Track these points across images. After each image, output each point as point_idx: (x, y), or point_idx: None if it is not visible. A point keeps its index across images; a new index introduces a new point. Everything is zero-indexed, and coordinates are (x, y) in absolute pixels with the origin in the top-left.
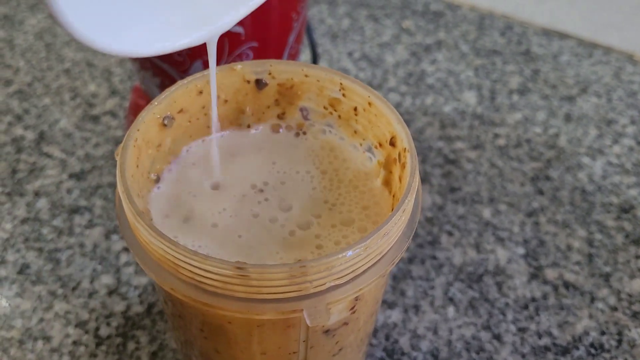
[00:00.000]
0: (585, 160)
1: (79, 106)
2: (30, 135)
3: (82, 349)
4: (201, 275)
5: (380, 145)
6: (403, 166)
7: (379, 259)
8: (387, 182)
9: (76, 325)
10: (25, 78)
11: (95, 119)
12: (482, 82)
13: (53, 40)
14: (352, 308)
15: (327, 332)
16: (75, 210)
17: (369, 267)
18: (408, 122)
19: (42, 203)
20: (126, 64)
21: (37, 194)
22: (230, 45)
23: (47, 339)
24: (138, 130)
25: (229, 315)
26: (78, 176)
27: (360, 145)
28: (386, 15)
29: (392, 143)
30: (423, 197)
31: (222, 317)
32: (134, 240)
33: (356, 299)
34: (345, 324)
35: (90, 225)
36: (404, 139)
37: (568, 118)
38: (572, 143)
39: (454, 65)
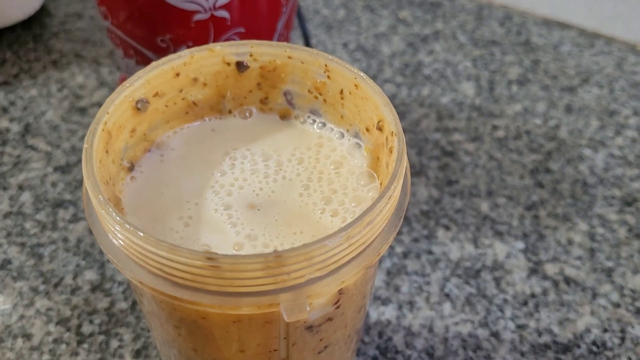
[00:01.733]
0: (587, 152)
1: (66, 98)
2: (15, 128)
3: (63, 347)
4: (170, 267)
5: (368, 130)
6: (390, 151)
7: (364, 249)
8: (374, 170)
9: (58, 323)
10: (11, 70)
11: (82, 110)
12: (480, 72)
13: (41, 31)
14: (336, 302)
15: (309, 328)
16: (59, 204)
17: (352, 258)
18: (404, 114)
19: (26, 197)
20: (115, 55)
21: (20, 188)
22: (216, 31)
23: (27, 336)
24: (107, 113)
25: (202, 310)
26: (63, 169)
27: (347, 131)
28: (382, 6)
29: (380, 127)
30: (419, 190)
31: (195, 313)
32: (101, 229)
33: (340, 292)
34: (329, 319)
35: (75, 219)
36: (392, 122)
37: (569, 109)
38: (573, 134)
39: (451, 56)
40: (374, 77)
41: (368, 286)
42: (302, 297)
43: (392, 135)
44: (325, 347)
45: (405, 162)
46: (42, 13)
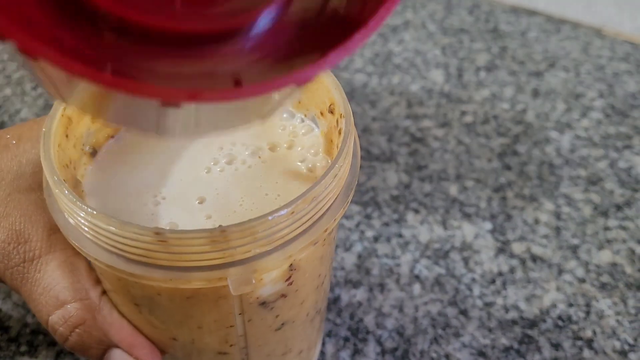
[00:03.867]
0: (553, 134)
1: (40, 96)
2: None
3: (40, 337)
4: (121, 243)
5: (322, 114)
6: (340, 132)
7: (311, 225)
8: (328, 153)
9: (35, 315)
10: None
11: None
12: (449, 60)
13: None
14: (288, 279)
15: (263, 304)
16: None
17: (299, 234)
18: (375, 102)
19: None
20: None
21: None
22: None
23: (5, 329)
24: None
25: (156, 286)
26: None
27: (305, 116)
28: None
29: (331, 110)
30: (389, 175)
31: (150, 289)
32: (58, 209)
33: (291, 268)
34: (283, 296)
35: None
36: (341, 104)
37: (536, 93)
38: (540, 118)
39: (421, 44)
40: (344, 68)
41: (323, 264)
42: (249, 271)
43: (341, 117)
44: (283, 324)
45: (352, 142)
46: None
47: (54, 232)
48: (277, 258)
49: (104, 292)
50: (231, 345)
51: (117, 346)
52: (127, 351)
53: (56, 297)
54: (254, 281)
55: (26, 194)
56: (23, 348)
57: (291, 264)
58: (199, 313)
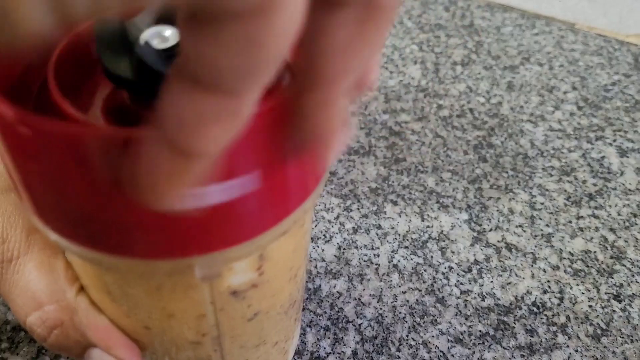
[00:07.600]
0: (528, 126)
1: None
2: None
3: (21, 334)
4: None
5: None
6: None
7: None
8: None
9: (14, 314)
10: None
11: None
12: (426, 55)
13: None
14: (259, 269)
15: (234, 293)
16: None
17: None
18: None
19: None
20: None
21: None
22: None
23: None
24: None
25: (125, 275)
26: None
27: None
28: None
29: None
30: (368, 168)
31: (120, 279)
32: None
33: (261, 258)
34: (254, 286)
35: None
36: None
37: (510, 86)
38: (515, 111)
39: (398, 40)
40: None
41: (296, 257)
42: (217, 261)
43: None
44: (255, 314)
45: None
46: None
47: (32, 233)
48: (245, 248)
49: (81, 290)
50: (203, 335)
51: (95, 346)
52: (105, 351)
53: (33, 298)
54: (221, 270)
55: (5, 194)
56: (4, 345)
57: (261, 254)
58: (170, 302)
